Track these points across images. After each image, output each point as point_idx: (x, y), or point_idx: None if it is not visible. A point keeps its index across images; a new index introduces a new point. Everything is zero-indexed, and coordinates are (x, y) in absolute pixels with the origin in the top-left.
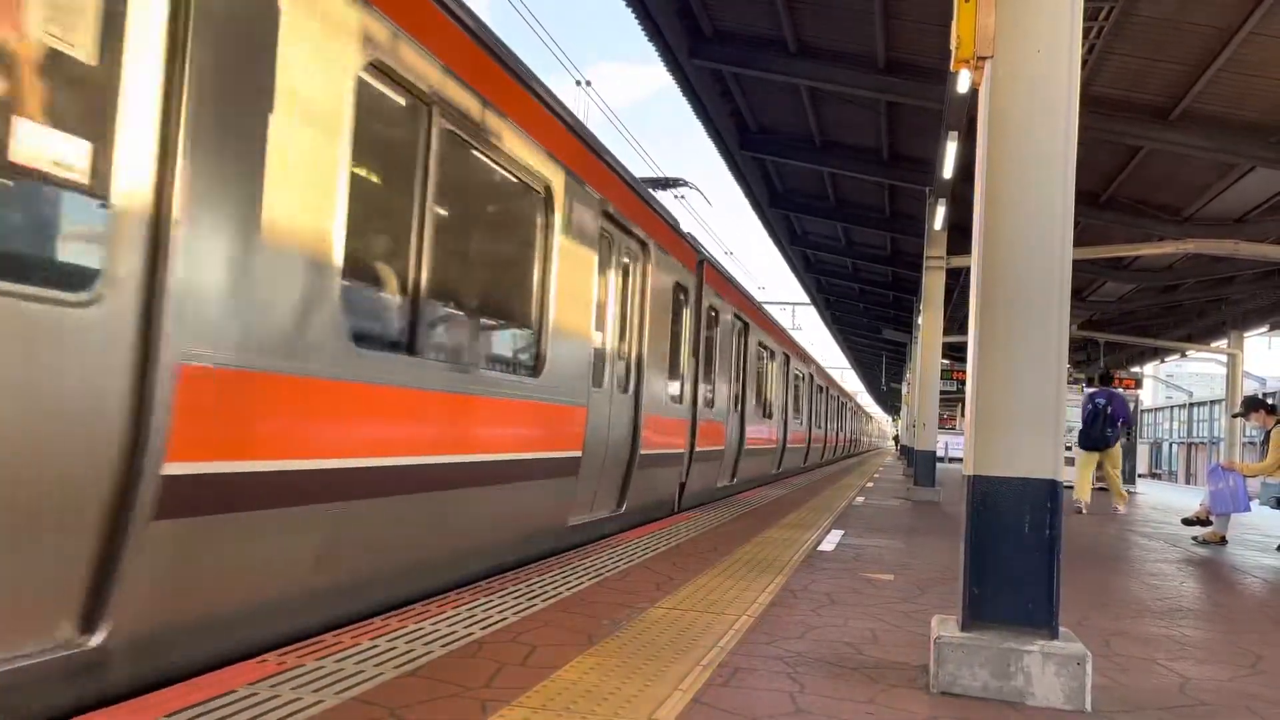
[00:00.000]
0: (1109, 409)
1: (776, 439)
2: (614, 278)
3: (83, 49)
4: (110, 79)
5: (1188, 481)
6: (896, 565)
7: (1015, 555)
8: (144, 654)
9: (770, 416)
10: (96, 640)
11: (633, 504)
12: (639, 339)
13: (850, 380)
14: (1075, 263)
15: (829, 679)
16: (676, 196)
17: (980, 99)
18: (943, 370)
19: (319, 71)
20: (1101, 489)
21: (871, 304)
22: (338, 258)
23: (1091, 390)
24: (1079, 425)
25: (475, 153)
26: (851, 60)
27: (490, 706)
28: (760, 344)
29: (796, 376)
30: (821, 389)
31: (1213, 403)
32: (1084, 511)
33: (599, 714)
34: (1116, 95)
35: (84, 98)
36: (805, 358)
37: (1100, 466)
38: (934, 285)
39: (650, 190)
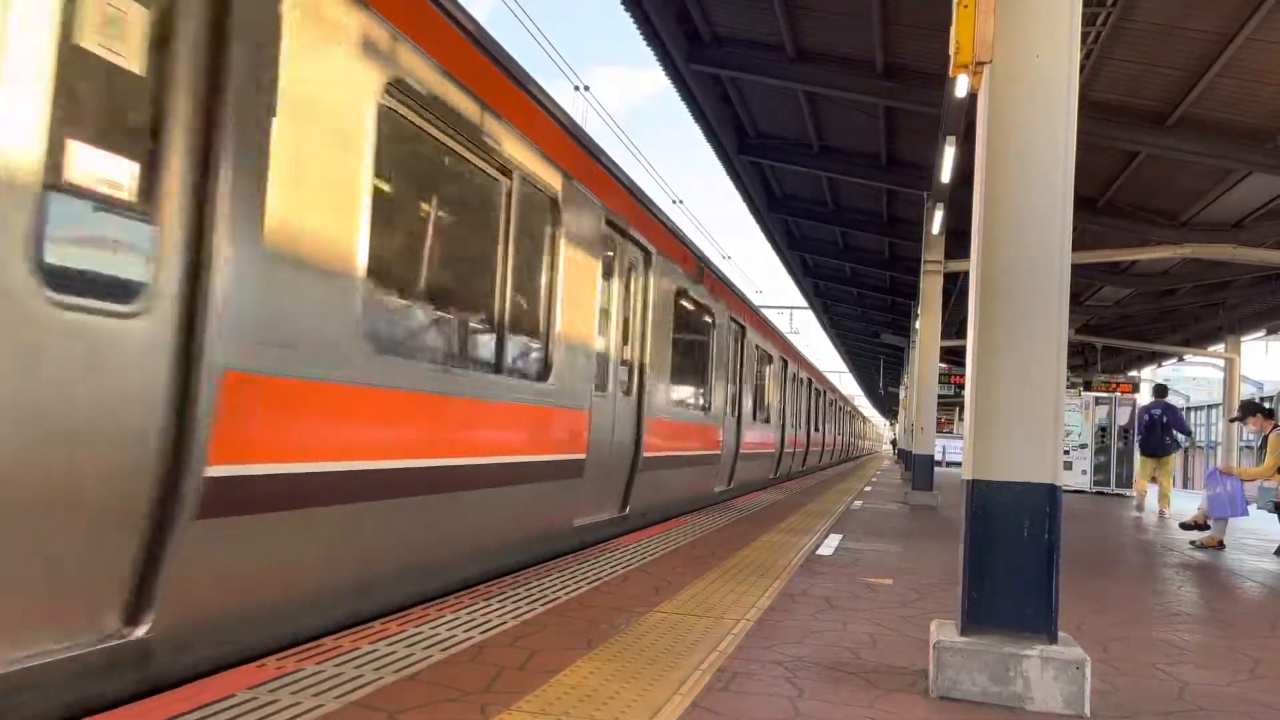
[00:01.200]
0: (1165, 419)
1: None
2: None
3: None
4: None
5: (1185, 486)
6: (895, 569)
7: (1014, 559)
8: (639, 519)
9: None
10: (626, 512)
11: (736, 481)
12: (740, 386)
13: (848, 384)
14: (1073, 267)
15: (828, 684)
16: None
17: (979, 104)
18: (940, 375)
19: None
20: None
21: (869, 308)
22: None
23: (1147, 403)
24: (1077, 430)
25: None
26: (850, 65)
27: (489, 710)
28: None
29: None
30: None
31: (1210, 407)
32: (1142, 508)
33: (598, 718)
34: (1114, 100)
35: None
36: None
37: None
38: (932, 289)
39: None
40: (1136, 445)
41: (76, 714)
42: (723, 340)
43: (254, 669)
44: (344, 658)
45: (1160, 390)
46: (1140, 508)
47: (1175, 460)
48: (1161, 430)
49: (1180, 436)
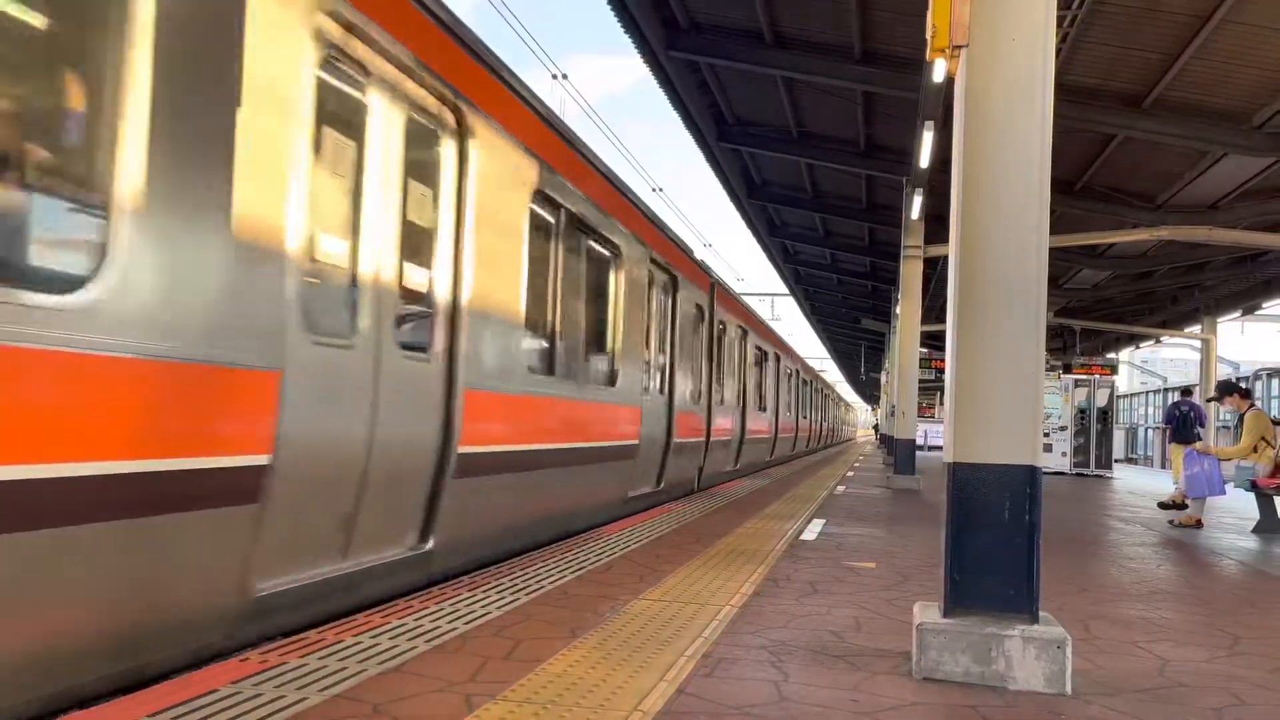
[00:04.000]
0: (1192, 414)
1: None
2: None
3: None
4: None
5: (1163, 466)
6: (878, 553)
7: (996, 541)
8: (671, 492)
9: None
10: (661, 486)
11: (742, 462)
12: (743, 384)
13: (830, 370)
14: (1051, 250)
15: (813, 667)
16: None
17: (956, 88)
18: (921, 359)
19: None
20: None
21: (850, 294)
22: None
23: (1177, 400)
24: (1056, 412)
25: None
26: (828, 51)
27: (475, 701)
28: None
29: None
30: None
31: (1187, 388)
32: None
33: (584, 706)
34: (1090, 84)
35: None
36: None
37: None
38: (912, 274)
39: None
40: (1168, 435)
41: (402, 591)
42: (730, 345)
43: (237, 663)
44: (328, 650)
45: (1187, 390)
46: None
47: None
48: (1191, 424)
49: (1199, 430)
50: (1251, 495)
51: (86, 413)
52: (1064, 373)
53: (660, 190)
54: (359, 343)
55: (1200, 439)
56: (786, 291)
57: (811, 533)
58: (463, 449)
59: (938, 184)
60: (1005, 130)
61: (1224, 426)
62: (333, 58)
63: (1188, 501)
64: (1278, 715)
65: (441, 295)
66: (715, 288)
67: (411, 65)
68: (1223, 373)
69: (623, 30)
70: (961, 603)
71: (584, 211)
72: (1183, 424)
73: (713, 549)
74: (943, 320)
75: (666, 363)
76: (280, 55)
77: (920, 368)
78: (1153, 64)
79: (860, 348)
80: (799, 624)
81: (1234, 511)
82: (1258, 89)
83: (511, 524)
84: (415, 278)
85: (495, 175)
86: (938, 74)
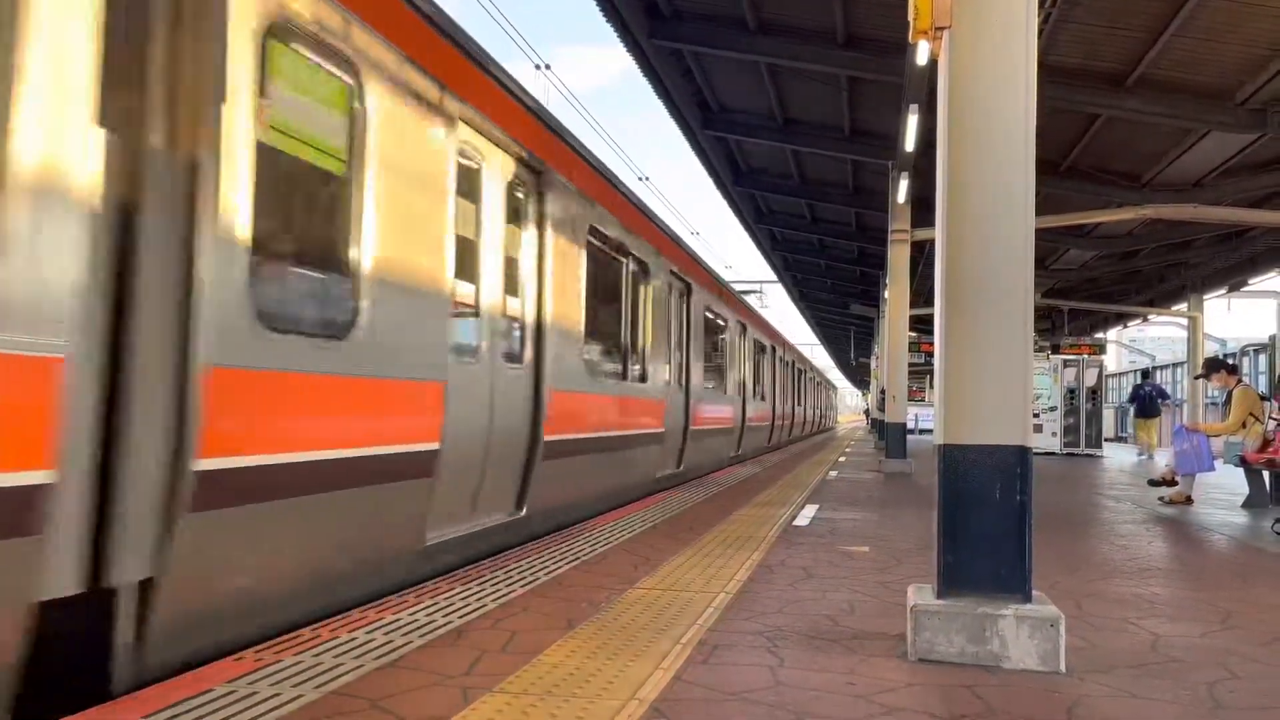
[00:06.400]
0: (1153, 393)
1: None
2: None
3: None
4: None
5: (1136, 444)
6: (871, 537)
7: (987, 522)
8: (689, 473)
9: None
10: (682, 468)
11: (744, 448)
12: (745, 375)
13: (820, 356)
14: (1037, 231)
15: (808, 651)
16: None
17: (940, 70)
18: (910, 343)
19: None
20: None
21: (838, 279)
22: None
23: (1140, 383)
24: (1047, 393)
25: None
26: (811, 36)
27: (472, 694)
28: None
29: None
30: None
31: (1175, 365)
32: (1150, 456)
33: (581, 696)
34: (1073, 64)
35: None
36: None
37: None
38: (899, 258)
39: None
40: (1133, 412)
41: (505, 547)
42: (734, 340)
43: (232, 662)
44: (323, 647)
45: (1147, 374)
46: (1145, 455)
47: (1160, 420)
48: (1152, 400)
49: (1161, 402)
50: (1240, 471)
51: (345, 415)
52: (1052, 353)
53: (647, 179)
54: (481, 359)
55: (1160, 413)
56: (775, 278)
57: (805, 518)
58: (547, 437)
59: (924, 167)
60: (990, 111)
61: (1212, 403)
62: (466, 153)
63: (1177, 479)
64: (1270, 689)
65: (529, 315)
66: (722, 290)
67: (510, 142)
68: (1210, 350)
69: (605, 19)
70: (955, 584)
71: (620, 235)
72: (1147, 402)
73: (707, 537)
74: (931, 304)
75: (683, 360)
76: (440, 161)
77: (910, 351)
78: (1135, 42)
79: (849, 333)
80: (794, 609)
81: (1223, 487)
82: (1239, 66)
83: (577, 498)
84: (512, 304)
85: (563, 217)
86: (921, 56)
